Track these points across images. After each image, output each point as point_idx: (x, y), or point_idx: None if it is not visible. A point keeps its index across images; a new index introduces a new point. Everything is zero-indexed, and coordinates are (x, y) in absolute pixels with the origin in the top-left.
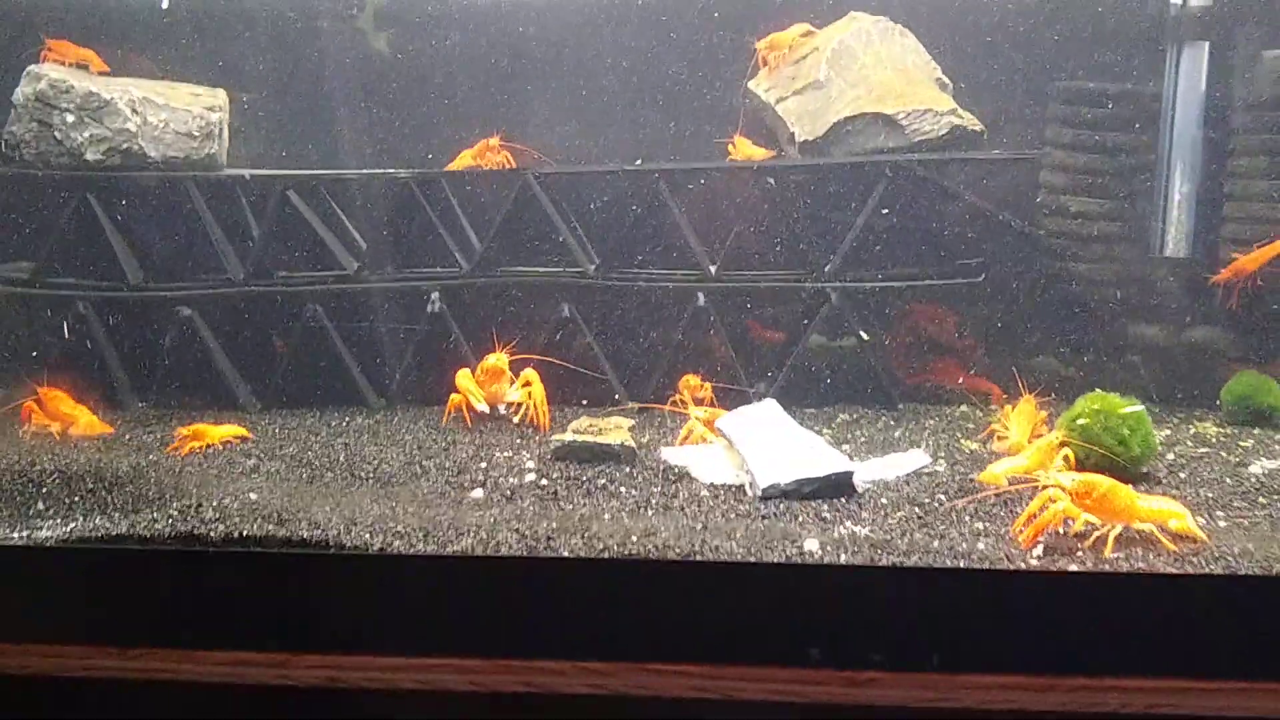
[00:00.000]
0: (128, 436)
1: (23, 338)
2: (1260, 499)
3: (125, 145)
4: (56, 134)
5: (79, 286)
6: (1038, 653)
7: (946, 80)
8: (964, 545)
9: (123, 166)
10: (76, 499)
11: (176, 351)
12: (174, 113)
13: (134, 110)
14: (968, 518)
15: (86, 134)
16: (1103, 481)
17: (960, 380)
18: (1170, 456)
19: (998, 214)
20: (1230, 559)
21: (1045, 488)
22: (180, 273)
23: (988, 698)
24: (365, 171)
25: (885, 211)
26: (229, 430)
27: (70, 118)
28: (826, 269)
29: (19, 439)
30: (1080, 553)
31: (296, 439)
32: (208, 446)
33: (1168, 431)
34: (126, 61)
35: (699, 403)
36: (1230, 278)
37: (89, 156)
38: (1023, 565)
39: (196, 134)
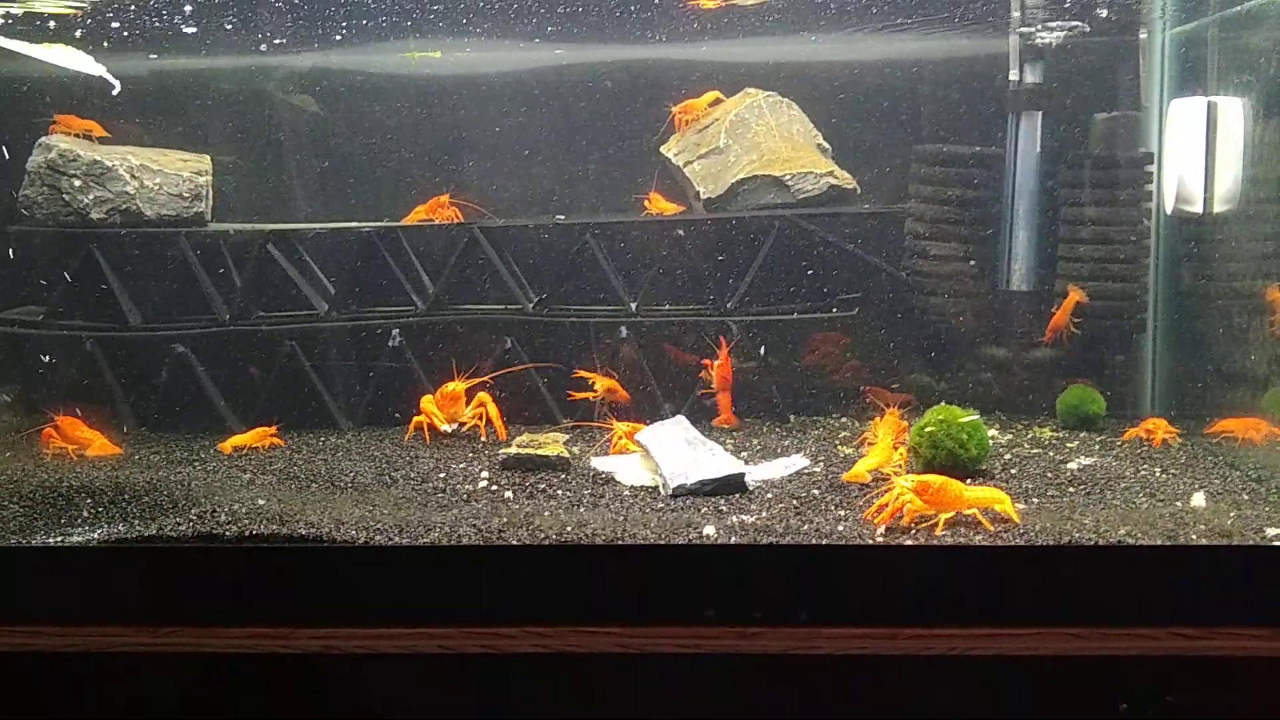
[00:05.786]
0: (136, 456)
1: (38, 372)
2: (1070, 489)
3: (125, 205)
4: (65, 196)
5: (85, 327)
6: (883, 608)
7: (826, 145)
8: (828, 528)
9: (123, 224)
10: (100, 509)
11: (171, 383)
12: (167, 177)
13: (133, 175)
14: (833, 507)
15: (91, 196)
16: (936, 479)
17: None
18: (1007, 456)
19: (869, 258)
20: (1031, 534)
21: (894, 487)
22: (173, 315)
23: (845, 644)
24: (333, 225)
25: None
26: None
27: (77, 182)
28: (727, 305)
29: (42, 460)
30: (916, 531)
31: (282, 456)
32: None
33: (1010, 436)
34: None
35: (616, 406)
36: (1053, 335)
37: (93, 215)
38: (871, 542)
39: (186, 195)
